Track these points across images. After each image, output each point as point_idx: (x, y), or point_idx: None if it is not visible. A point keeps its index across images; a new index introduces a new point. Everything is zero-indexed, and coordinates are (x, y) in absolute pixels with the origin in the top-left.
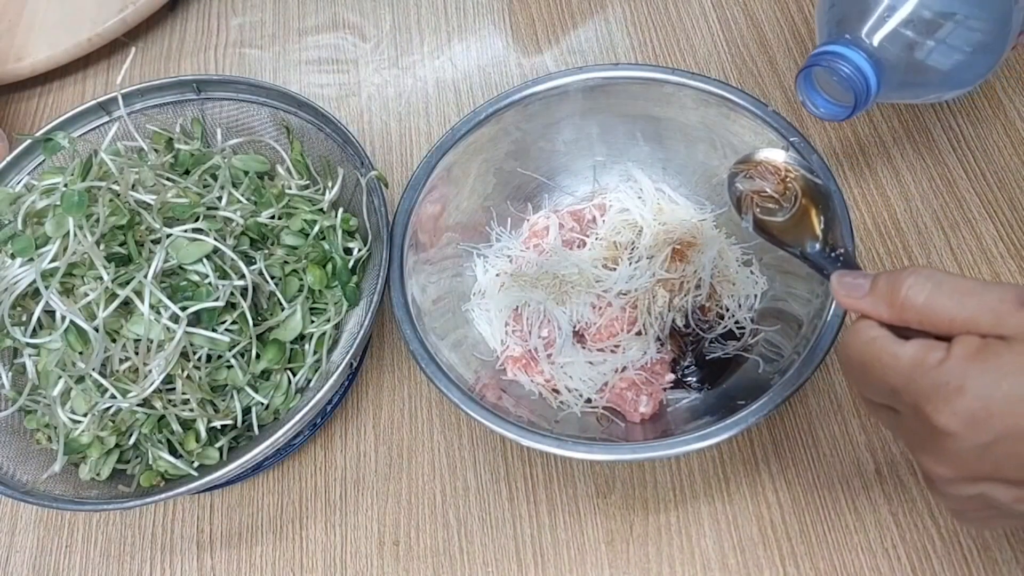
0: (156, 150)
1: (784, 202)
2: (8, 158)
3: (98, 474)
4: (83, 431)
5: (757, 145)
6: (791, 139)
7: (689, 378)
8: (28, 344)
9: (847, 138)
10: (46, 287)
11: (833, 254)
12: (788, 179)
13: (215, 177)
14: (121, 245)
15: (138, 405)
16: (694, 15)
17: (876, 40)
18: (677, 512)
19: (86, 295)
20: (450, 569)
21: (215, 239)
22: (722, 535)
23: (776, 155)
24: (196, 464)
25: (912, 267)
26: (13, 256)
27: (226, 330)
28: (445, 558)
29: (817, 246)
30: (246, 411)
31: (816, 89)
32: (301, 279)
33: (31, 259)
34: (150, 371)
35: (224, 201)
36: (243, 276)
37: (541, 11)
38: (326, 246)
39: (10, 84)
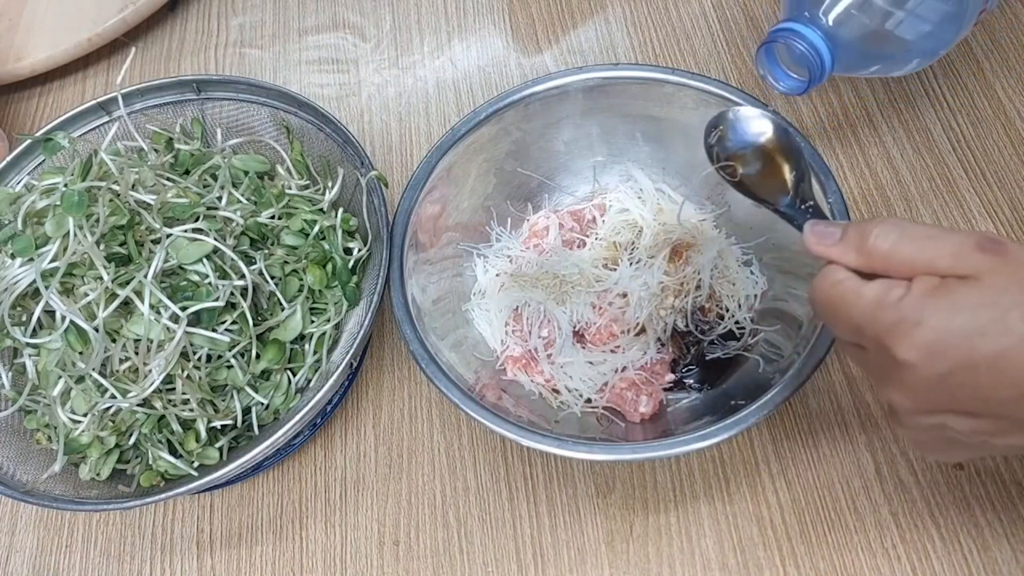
0: (156, 150)
1: (757, 158)
2: (8, 158)
3: (98, 474)
4: (83, 431)
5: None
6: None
7: (689, 378)
8: (28, 344)
9: (847, 138)
10: (46, 287)
11: (803, 206)
12: (761, 136)
13: (215, 177)
14: (121, 245)
15: (138, 405)
16: (694, 15)
17: (831, 18)
18: (677, 512)
19: (86, 295)
20: (450, 569)
21: (215, 239)
22: (722, 535)
23: (750, 112)
24: (196, 464)
25: (880, 218)
26: (13, 256)
27: (226, 330)
28: (445, 558)
29: (788, 198)
30: (246, 411)
31: (779, 64)
32: (301, 279)
33: (31, 259)
34: (150, 371)
35: (224, 201)
36: (243, 276)
37: (541, 11)
38: (326, 246)
39: (10, 84)
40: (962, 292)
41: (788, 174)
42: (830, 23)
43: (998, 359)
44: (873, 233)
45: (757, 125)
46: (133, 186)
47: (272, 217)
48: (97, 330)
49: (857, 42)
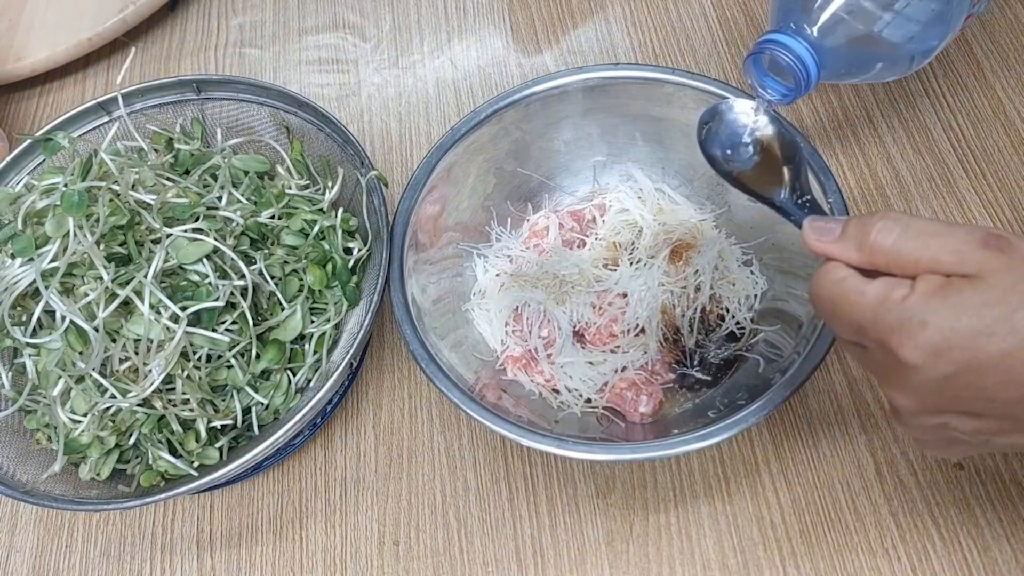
0: (156, 150)
1: (752, 152)
2: (8, 158)
3: (98, 474)
4: (83, 431)
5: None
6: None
7: (690, 378)
8: (28, 344)
9: (847, 137)
10: (46, 287)
11: (800, 200)
12: (755, 130)
13: (215, 177)
14: (121, 245)
15: (138, 405)
16: (694, 15)
17: (817, 29)
18: (677, 512)
19: (86, 295)
20: (450, 569)
21: (215, 239)
22: (722, 535)
23: (743, 106)
24: (196, 464)
25: (881, 212)
26: (13, 256)
27: (226, 330)
28: (445, 558)
29: (784, 192)
30: (246, 411)
31: (768, 73)
32: (301, 279)
33: (31, 259)
34: (150, 371)
35: (224, 201)
36: (243, 276)
37: (541, 11)
38: (326, 246)
39: (10, 84)
40: (967, 292)
41: (784, 167)
42: (815, 34)
43: (1004, 359)
44: (875, 229)
45: (750, 119)
46: (133, 186)
47: (272, 217)
48: (97, 330)
49: (843, 52)
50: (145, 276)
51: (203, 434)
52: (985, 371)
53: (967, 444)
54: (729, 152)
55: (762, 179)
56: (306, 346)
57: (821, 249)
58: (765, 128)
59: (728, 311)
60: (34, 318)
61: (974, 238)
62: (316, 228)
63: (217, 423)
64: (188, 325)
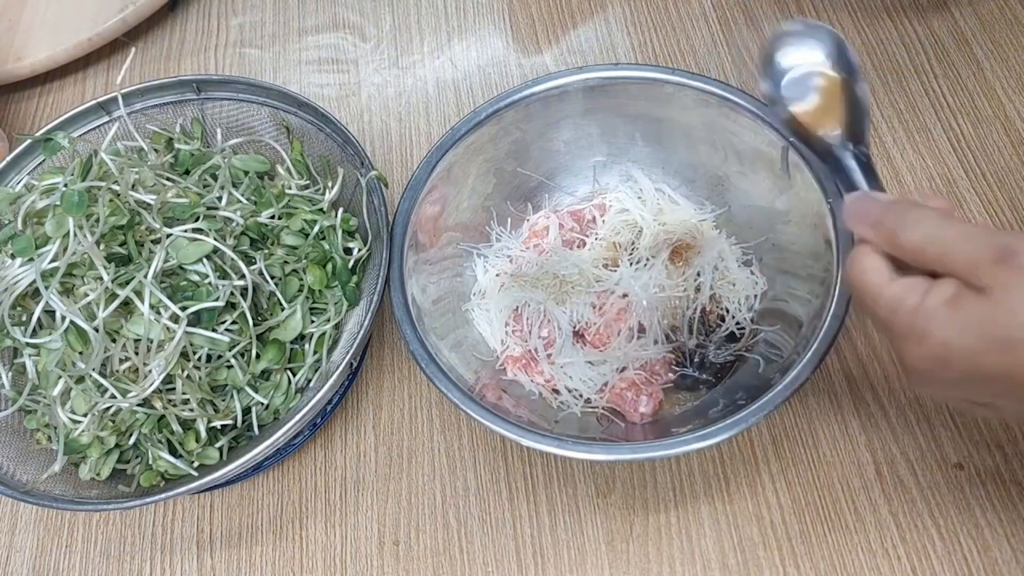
0: (156, 150)
1: (811, 88)
2: (8, 158)
3: (98, 474)
4: (83, 431)
5: (760, 145)
6: (791, 139)
7: (690, 378)
8: (28, 344)
9: None
10: (46, 287)
11: (856, 149)
12: (823, 71)
13: (215, 177)
14: (121, 245)
15: (138, 405)
16: (694, 15)
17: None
18: (677, 512)
19: (86, 295)
20: (450, 569)
21: (215, 239)
22: (722, 535)
23: (805, 28)
24: (196, 464)
25: (920, 204)
26: (13, 256)
27: (226, 330)
28: (445, 558)
29: (838, 132)
30: (246, 411)
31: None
32: (301, 279)
33: (31, 259)
34: (150, 371)
35: (224, 201)
36: (243, 276)
37: (541, 11)
38: (326, 246)
39: (10, 84)
40: (974, 307)
41: (844, 110)
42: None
43: (1004, 373)
44: (908, 223)
45: (814, 45)
46: (133, 186)
47: (272, 217)
48: (97, 330)
49: None
50: (145, 276)
51: (203, 434)
52: (987, 380)
53: (987, 410)
54: (788, 85)
55: (819, 119)
56: (306, 346)
57: (857, 230)
58: (827, 55)
59: (728, 311)
60: (34, 318)
61: (990, 250)
62: (316, 228)
63: (217, 423)
64: (188, 325)
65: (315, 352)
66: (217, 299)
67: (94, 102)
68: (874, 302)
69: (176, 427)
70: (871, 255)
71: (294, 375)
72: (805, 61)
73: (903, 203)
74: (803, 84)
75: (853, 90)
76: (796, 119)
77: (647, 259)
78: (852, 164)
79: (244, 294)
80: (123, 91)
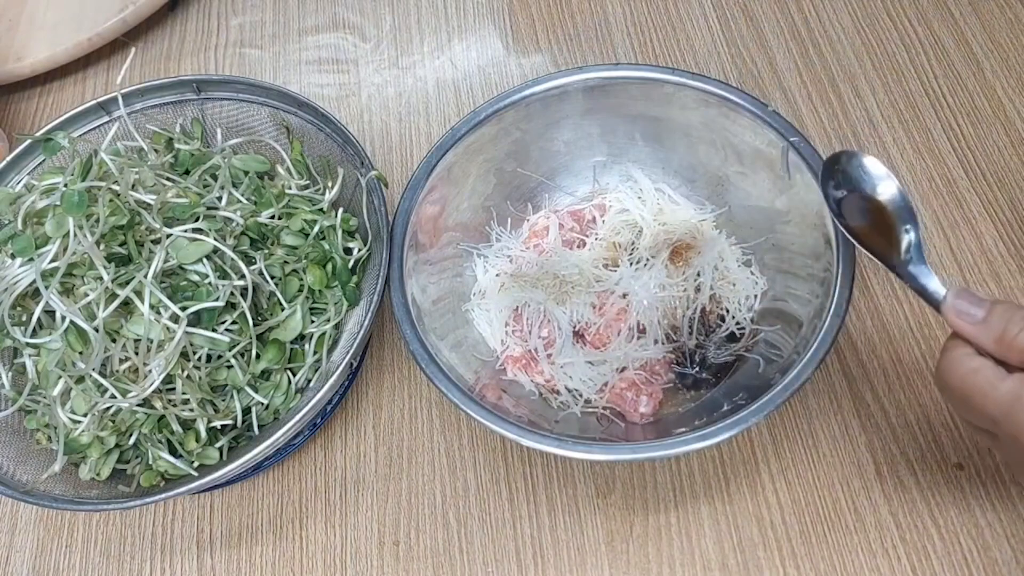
0: (156, 150)
1: (867, 210)
2: (8, 158)
3: (98, 474)
4: (83, 431)
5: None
6: (791, 139)
7: (690, 378)
8: (28, 344)
9: (847, 138)
10: (46, 287)
11: (912, 268)
12: (876, 190)
13: (215, 177)
14: (121, 245)
15: (138, 405)
16: (694, 15)
17: None
18: (677, 512)
19: (86, 295)
20: (450, 569)
21: (215, 239)
22: (722, 535)
23: (872, 164)
24: (196, 464)
25: (1022, 307)
26: (13, 256)
27: (226, 330)
28: (445, 558)
29: (897, 257)
30: (246, 411)
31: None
32: (301, 279)
33: (31, 259)
34: (150, 371)
35: (224, 201)
36: (243, 276)
37: (541, 11)
38: (326, 246)
39: (10, 84)
40: None
41: (894, 231)
42: None
43: None
44: (1018, 322)
45: (878, 181)
46: (133, 186)
47: (272, 217)
48: (97, 330)
49: None
50: (145, 276)
51: (203, 434)
52: None
53: None
54: (845, 204)
55: (874, 239)
56: (306, 346)
57: (960, 329)
58: (878, 188)
59: (728, 311)
60: (34, 318)
61: None
62: (316, 228)
63: (217, 423)
64: (188, 325)
65: (315, 352)
66: (217, 299)
67: (94, 102)
68: (989, 398)
69: (176, 427)
70: (973, 354)
71: (294, 375)
72: (856, 183)
73: (1008, 304)
74: (857, 206)
75: (902, 216)
76: (861, 239)
77: (647, 259)
78: (925, 268)
79: (244, 294)
80: (123, 91)
